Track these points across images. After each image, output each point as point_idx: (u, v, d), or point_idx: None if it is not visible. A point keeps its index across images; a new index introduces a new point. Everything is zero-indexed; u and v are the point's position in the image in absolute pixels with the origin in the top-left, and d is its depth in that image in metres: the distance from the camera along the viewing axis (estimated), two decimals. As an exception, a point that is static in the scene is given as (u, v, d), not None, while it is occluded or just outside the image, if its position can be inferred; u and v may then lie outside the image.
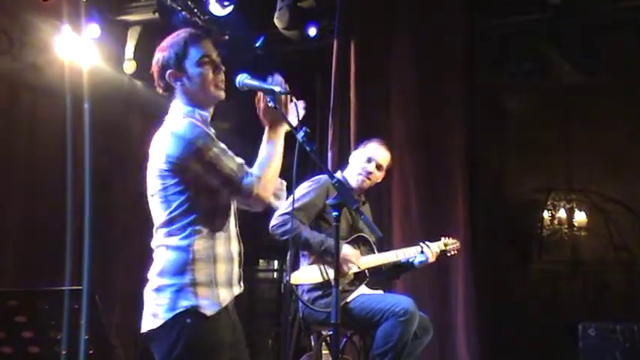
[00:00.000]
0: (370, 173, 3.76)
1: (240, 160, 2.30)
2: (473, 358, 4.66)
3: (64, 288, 3.44)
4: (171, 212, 2.29)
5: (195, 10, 5.26)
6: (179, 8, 5.21)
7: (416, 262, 3.80)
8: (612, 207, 5.90)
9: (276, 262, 7.06)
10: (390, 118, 5.07)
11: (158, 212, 2.35)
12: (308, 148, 2.38)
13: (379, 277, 3.86)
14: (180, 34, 2.40)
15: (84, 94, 4.46)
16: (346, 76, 5.09)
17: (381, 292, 3.75)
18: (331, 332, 2.44)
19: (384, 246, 3.94)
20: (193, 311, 2.21)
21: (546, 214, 6.25)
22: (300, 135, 2.38)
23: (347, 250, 3.58)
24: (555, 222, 6.21)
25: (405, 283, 4.56)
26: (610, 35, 5.37)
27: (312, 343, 3.70)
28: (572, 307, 5.71)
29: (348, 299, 3.55)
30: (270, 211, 3.54)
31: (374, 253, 3.75)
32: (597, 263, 5.97)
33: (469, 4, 5.12)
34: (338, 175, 3.83)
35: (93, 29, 5.31)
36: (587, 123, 5.94)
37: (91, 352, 3.24)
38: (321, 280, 3.55)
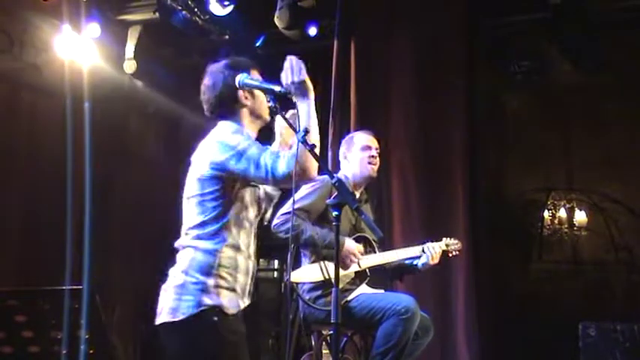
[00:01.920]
0: (374, 157, 3.80)
1: (274, 148, 2.56)
2: (473, 358, 4.67)
3: (64, 287, 3.43)
4: (205, 216, 2.47)
5: (196, 10, 5.27)
6: (179, 8, 5.22)
7: (419, 264, 3.78)
8: (612, 206, 5.89)
9: (276, 261, 7.06)
10: (390, 118, 5.07)
11: (191, 214, 2.52)
12: (308, 148, 2.39)
13: (382, 276, 3.86)
14: (241, 60, 2.66)
15: (84, 94, 4.45)
16: (346, 76, 5.09)
17: (382, 291, 3.75)
18: (332, 332, 2.44)
19: (384, 246, 3.94)
20: (218, 310, 2.41)
21: (547, 214, 6.25)
22: (299, 135, 2.39)
23: (349, 244, 3.57)
24: (556, 222, 6.21)
25: (406, 283, 4.55)
26: (610, 35, 5.36)
27: (313, 342, 3.70)
28: (572, 307, 5.70)
29: (349, 298, 3.54)
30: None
31: (375, 252, 3.75)
32: (597, 263, 5.97)
33: (469, 3, 5.12)
34: (340, 174, 3.83)
35: (93, 29, 5.31)
36: (587, 123, 5.94)
37: (91, 351, 3.24)
38: (322, 278, 3.54)
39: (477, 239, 4.85)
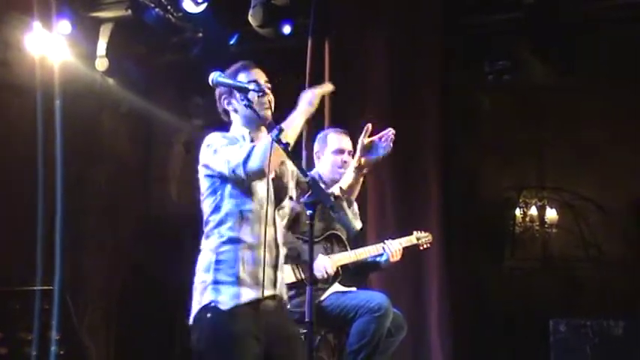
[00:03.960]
0: (346, 162, 3.74)
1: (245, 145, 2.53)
2: (446, 355, 4.70)
3: (35, 288, 3.39)
4: (206, 215, 2.58)
5: (169, 7, 5.22)
6: (152, 5, 5.17)
7: (382, 261, 3.79)
8: (582, 204, 5.97)
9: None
10: (365, 118, 5.07)
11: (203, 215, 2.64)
12: (281, 147, 2.38)
13: (354, 274, 3.86)
14: (234, 66, 2.70)
15: (55, 91, 4.40)
16: (320, 74, 5.09)
17: (354, 289, 3.76)
18: (305, 331, 2.44)
19: (359, 244, 3.93)
20: (212, 306, 2.45)
21: (518, 212, 6.31)
22: (273, 134, 2.39)
23: (320, 261, 3.57)
24: (527, 219, 6.27)
25: (379, 281, 4.57)
26: (584, 35, 5.42)
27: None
28: (543, 303, 5.77)
29: (322, 297, 3.55)
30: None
31: (347, 250, 3.75)
32: (567, 259, 6.05)
33: (444, 2, 5.15)
34: (314, 172, 3.82)
35: (64, 25, 5.24)
36: (559, 122, 6.00)
37: (61, 352, 3.21)
38: (294, 279, 3.54)
39: (450, 237, 4.89)
